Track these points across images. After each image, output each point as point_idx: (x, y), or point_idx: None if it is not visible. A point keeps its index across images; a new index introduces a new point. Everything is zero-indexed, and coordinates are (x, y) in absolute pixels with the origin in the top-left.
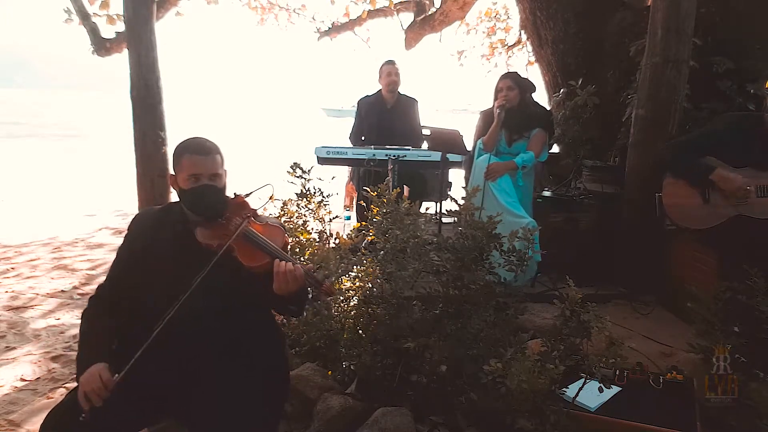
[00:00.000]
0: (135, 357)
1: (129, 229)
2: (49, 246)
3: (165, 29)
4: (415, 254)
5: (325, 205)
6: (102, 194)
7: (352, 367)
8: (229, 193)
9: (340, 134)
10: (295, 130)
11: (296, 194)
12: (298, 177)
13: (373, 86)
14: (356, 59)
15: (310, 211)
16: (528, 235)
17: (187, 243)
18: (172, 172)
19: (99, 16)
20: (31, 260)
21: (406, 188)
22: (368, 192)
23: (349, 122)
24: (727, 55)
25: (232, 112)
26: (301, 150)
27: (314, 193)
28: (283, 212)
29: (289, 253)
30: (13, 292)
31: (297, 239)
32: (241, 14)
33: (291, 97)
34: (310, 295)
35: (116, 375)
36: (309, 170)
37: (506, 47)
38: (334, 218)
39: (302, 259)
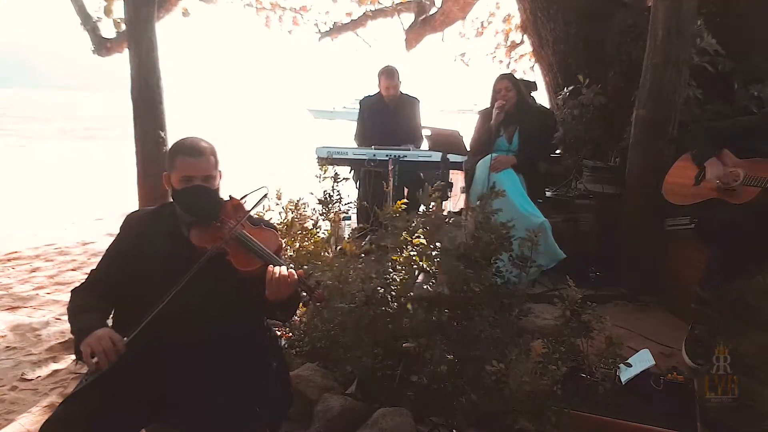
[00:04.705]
0: (137, 328)
1: (121, 229)
2: (52, 247)
3: (164, 30)
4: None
5: (345, 217)
6: (108, 196)
7: (353, 372)
8: (225, 195)
9: (330, 136)
10: (283, 131)
11: (318, 200)
12: (334, 192)
13: (363, 87)
14: (343, 60)
15: (326, 216)
16: (534, 237)
17: (180, 244)
18: (165, 171)
19: (100, 20)
20: (33, 258)
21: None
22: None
23: (341, 124)
24: (729, 56)
25: (218, 112)
26: (295, 152)
27: (335, 201)
28: (293, 210)
29: (286, 257)
30: (13, 292)
31: (302, 244)
32: (228, 15)
33: (275, 98)
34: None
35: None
36: (341, 180)
37: (509, 47)
38: (343, 219)
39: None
